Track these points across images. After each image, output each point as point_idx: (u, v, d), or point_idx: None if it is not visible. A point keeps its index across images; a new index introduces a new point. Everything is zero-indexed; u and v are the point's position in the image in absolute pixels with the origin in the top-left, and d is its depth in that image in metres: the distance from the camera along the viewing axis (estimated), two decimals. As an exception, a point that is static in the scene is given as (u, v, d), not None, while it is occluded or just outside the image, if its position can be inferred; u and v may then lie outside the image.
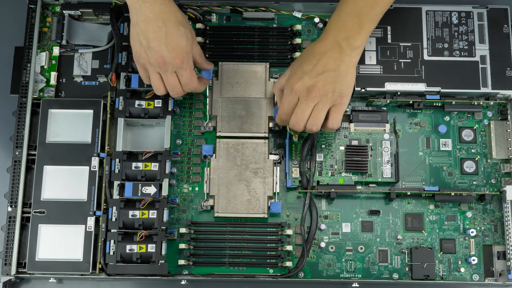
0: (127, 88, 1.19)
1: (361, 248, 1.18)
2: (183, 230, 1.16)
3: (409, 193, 1.19)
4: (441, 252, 1.18)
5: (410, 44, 1.21)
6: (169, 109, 1.18)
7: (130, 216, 1.13)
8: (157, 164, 1.15)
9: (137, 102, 1.18)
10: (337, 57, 1.06)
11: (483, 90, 1.19)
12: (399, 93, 1.20)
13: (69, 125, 1.18)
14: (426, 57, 1.20)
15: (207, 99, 1.21)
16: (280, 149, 1.20)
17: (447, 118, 1.23)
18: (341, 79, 1.06)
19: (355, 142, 1.21)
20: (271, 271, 1.17)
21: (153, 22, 1.04)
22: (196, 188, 1.20)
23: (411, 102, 1.21)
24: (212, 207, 1.18)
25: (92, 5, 1.24)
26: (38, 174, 1.16)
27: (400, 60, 1.20)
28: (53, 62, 1.24)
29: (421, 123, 1.22)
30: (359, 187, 1.20)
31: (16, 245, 1.14)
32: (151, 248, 1.12)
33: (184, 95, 1.15)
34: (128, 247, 1.12)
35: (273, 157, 1.18)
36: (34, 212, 1.15)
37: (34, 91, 1.21)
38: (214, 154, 1.18)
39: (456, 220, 1.19)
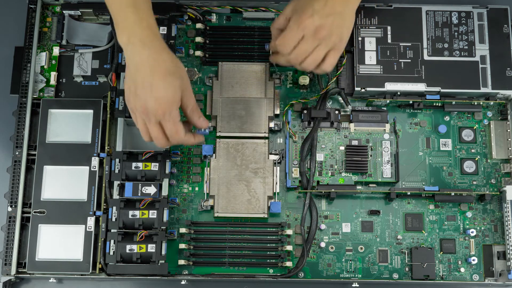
0: (127, 88, 1.19)
1: (361, 248, 1.18)
2: (183, 230, 1.16)
3: (409, 193, 1.19)
4: (441, 252, 1.18)
5: (410, 44, 1.21)
6: (169, 109, 1.18)
7: (130, 216, 1.13)
8: (157, 164, 1.15)
9: (137, 102, 1.18)
10: None
11: (483, 90, 1.19)
12: (399, 93, 1.20)
13: (69, 125, 1.18)
14: (426, 57, 1.20)
15: (207, 99, 1.21)
16: (280, 149, 1.20)
17: (447, 118, 1.23)
18: (345, 23, 1.08)
19: (355, 142, 1.21)
20: (271, 271, 1.17)
21: (140, 69, 1.00)
22: (196, 188, 1.20)
23: (411, 102, 1.21)
24: (212, 207, 1.18)
25: (92, 5, 1.24)
26: (38, 174, 1.16)
27: (400, 60, 1.20)
28: (53, 62, 1.24)
29: (421, 123, 1.22)
30: (359, 187, 1.20)
31: (16, 245, 1.14)
32: (151, 248, 1.12)
33: (171, 145, 1.10)
34: (128, 247, 1.12)
35: (273, 157, 1.18)
36: (34, 212, 1.15)
37: (34, 91, 1.21)
38: (214, 154, 1.18)
39: (456, 220, 1.19)
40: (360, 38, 1.21)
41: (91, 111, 1.19)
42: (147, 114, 1.01)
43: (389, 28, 1.21)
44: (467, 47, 1.21)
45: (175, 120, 1.03)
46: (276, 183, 1.18)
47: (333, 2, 1.06)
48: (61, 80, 1.24)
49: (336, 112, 1.21)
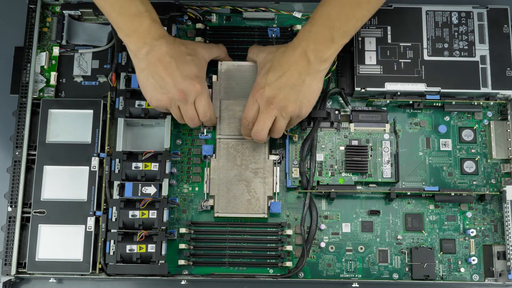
0: (127, 88, 1.19)
1: (361, 248, 1.18)
2: (183, 230, 1.16)
3: (409, 193, 1.19)
4: (441, 252, 1.18)
5: (410, 44, 1.21)
6: (169, 109, 1.18)
7: (130, 216, 1.13)
8: (157, 164, 1.15)
9: (137, 102, 1.18)
10: (303, 70, 1.05)
11: (483, 90, 1.19)
12: (399, 93, 1.20)
13: (69, 125, 1.18)
14: (426, 57, 1.20)
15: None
16: (280, 149, 1.20)
17: (447, 118, 1.23)
18: (303, 94, 1.07)
19: (355, 142, 1.21)
20: (271, 271, 1.17)
21: (161, 61, 1.06)
22: (196, 188, 1.20)
23: (411, 102, 1.21)
24: (212, 207, 1.18)
25: (92, 5, 1.23)
26: (38, 174, 1.16)
27: (400, 60, 1.20)
28: (53, 62, 1.24)
29: (421, 123, 1.22)
30: (359, 187, 1.20)
31: (16, 245, 1.14)
32: (151, 248, 1.12)
33: (199, 125, 1.16)
34: (128, 247, 1.12)
35: (273, 157, 1.18)
36: (34, 212, 1.15)
37: (34, 91, 1.21)
38: (214, 154, 1.18)
39: (456, 220, 1.19)
40: (360, 38, 1.21)
41: (91, 111, 1.19)
42: (184, 94, 1.07)
43: (389, 28, 1.21)
44: (467, 47, 1.21)
45: (207, 93, 1.12)
46: (276, 183, 1.18)
47: (290, 74, 1.05)
48: (61, 80, 1.24)
49: (336, 112, 1.21)
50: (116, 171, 1.15)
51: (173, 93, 1.07)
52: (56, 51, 1.24)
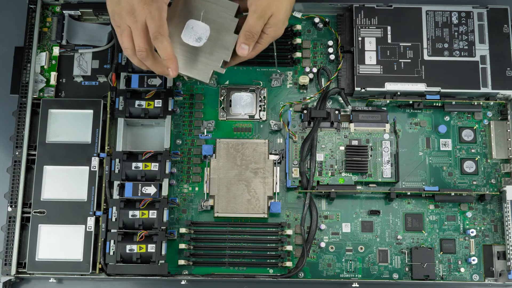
0: (127, 88, 1.19)
1: (361, 248, 1.18)
2: (183, 230, 1.16)
3: (409, 193, 1.19)
4: (441, 252, 1.18)
5: (410, 44, 1.21)
6: (169, 109, 1.18)
7: (130, 216, 1.13)
8: (157, 164, 1.15)
9: (137, 102, 1.18)
10: None
11: (483, 90, 1.19)
12: (399, 93, 1.20)
13: (69, 125, 1.18)
14: (426, 57, 1.20)
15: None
16: (280, 149, 1.20)
17: (447, 118, 1.23)
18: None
19: (355, 142, 1.21)
20: (271, 271, 1.17)
21: None
22: (196, 188, 1.20)
23: (411, 102, 1.21)
24: (212, 207, 1.18)
25: (92, 5, 1.24)
26: (38, 174, 1.16)
27: (400, 60, 1.20)
28: (53, 62, 1.24)
29: (421, 123, 1.22)
30: (359, 187, 1.20)
31: (16, 245, 1.14)
32: (151, 248, 1.12)
33: (151, 63, 1.02)
34: (128, 247, 1.12)
35: (273, 157, 1.18)
36: (34, 212, 1.15)
37: (34, 91, 1.21)
38: (214, 154, 1.18)
39: (456, 220, 1.19)
40: (360, 38, 1.21)
41: (91, 111, 1.19)
42: (133, 13, 0.98)
43: (389, 28, 1.21)
44: (467, 47, 1.21)
45: (162, 15, 0.98)
46: (276, 183, 1.18)
47: None
48: (61, 80, 1.24)
49: (336, 112, 1.21)
50: (116, 171, 1.15)
51: (124, 8, 0.98)
52: (56, 51, 1.24)
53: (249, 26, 1.02)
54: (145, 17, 0.98)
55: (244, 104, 1.23)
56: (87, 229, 1.14)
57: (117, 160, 1.15)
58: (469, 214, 1.19)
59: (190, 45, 1.04)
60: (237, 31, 1.05)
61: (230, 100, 1.23)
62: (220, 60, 1.04)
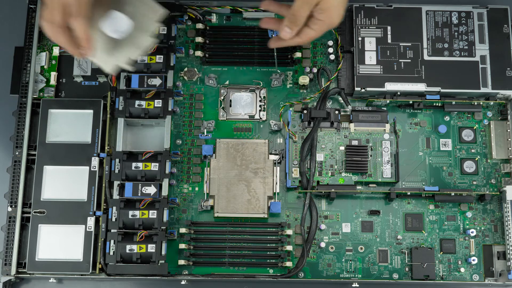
0: (127, 88, 1.19)
1: (361, 248, 1.18)
2: (183, 230, 1.16)
3: (409, 193, 1.19)
4: (441, 252, 1.18)
5: (410, 44, 1.21)
6: (169, 109, 1.18)
7: (130, 216, 1.13)
8: (157, 164, 1.15)
9: (137, 102, 1.18)
10: None
11: (483, 90, 1.19)
12: (399, 93, 1.20)
13: (69, 125, 1.18)
14: (426, 57, 1.20)
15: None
16: (280, 149, 1.20)
17: (447, 118, 1.23)
18: None
19: (355, 142, 1.21)
20: (271, 271, 1.17)
21: None
22: (196, 188, 1.20)
23: (411, 102, 1.21)
24: (212, 207, 1.18)
25: (92, 5, 1.24)
26: (38, 174, 1.16)
27: (400, 60, 1.20)
28: (53, 62, 1.24)
29: (421, 123, 1.22)
30: (359, 187, 1.20)
31: (16, 245, 1.14)
32: (151, 248, 1.12)
33: (64, 40, 0.98)
34: (128, 247, 1.12)
35: (273, 157, 1.18)
36: (34, 212, 1.15)
37: (34, 91, 1.21)
38: (214, 154, 1.18)
39: (456, 220, 1.19)
40: (360, 38, 1.21)
41: (91, 111, 1.19)
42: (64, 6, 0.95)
43: (389, 28, 1.21)
44: (467, 47, 1.21)
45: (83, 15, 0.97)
46: (276, 183, 1.18)
47: None
48: (61, 80, 1.24)
49: (336, 112, 1.21)
50: (116, 171, 1.15)
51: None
52: (56, 51, 1.24)
53: (294, 10, 1.01)
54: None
55: (244, 104, 1.23)
56: (87, 229, 1.14)
57: (117, 160, 1.15)
58: (469, 214, 1.19)
59: (105, 34, 1.03)
60: (153, 35, 1.05)
61: (230, 100, 1.23)
62: (127, 56, 1.04)
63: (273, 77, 1.23)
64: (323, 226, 1.18)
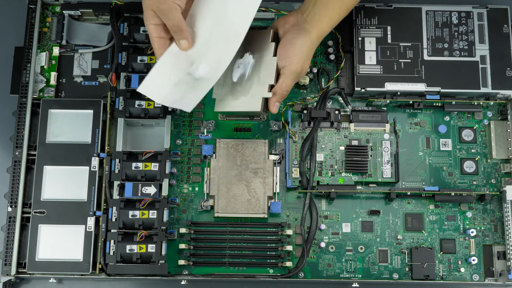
0: (127, 88, 1.19)
1: (361, 248, 1.18)
2: (183, 230, 1.16)
3: (409, 193, 1.19)
4: (441, 252, 1.18)
5: (410, 44, 1.21)
6: (169, 109, 1.18)
7: (130, 216, 1.13)
8: (157, 164, 1.15)
9: (137, 102, 1.18)
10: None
11: (483, 90, 1.19)
12: (399, 93, 1.20)
13: (69, 125, 1.19)
14: (426, 57, 1.20)
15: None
16: (280, 149, 1.20)
17: (447, 118, 1.23)
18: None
19: (355, 142, 1.21)
20: (271, 271, 1.17)
21: None
22: (196, 188, 1.20)
23: (411, 102, 1.21)
24: (212, 207, 1.18)
25: (92, 5, 1.24)
26: (38, 174, 1.16)
27: (400, 60, 1.20)
28: (53, 62, 1.24)
29: (421, 123, 1.23)
30: (359, 187, 1.20)
31: (16, 245, 1.14)
32: (151, 248, 1.12)
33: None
34: (128, 247, 1.12)
35: (273, 157, 1.18)
36: (34, 212, 1.15)
37: (34, 91, 1.21)
38: (214, 154, 1.18)
39: (456, 220, 1.19)
40: (360, 38, 1.21)
41: (91, 111, 1.19)
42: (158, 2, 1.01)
43: (389, 28, 1.21)
44: (467, 47, 1.21)
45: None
46: (276, 183, 1.18)
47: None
48: (61, 80, 1.24)
49: (336, 112, 1.21)
50: (116, 171, 1.15)
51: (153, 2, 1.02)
52: (56, 51, 1.24)
53: (287, 86, 1.10)
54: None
55: (244, 104, 1.23)
56: (87, 229, 1.14)
57: (117, 160, 1.15)
58: (469, 214, 1.19)
59: (232, 82, 1.10)
60: (274, 53, 1.10)
61: (230, 100, 1.23)
62: (266, 85, 1.09)
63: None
64: (323, 226, 1.18)
